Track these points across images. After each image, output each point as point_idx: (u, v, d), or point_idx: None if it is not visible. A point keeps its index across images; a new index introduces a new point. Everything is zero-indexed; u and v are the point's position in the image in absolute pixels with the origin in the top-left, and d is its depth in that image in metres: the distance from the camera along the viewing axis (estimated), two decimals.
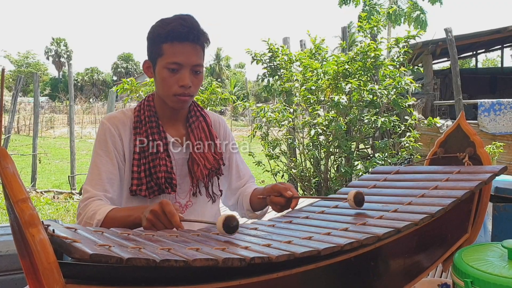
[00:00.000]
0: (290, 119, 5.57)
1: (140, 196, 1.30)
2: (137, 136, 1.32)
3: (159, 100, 1.36)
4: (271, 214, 1.37)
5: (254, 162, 5.80)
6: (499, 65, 15.76)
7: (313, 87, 5.47)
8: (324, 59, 5.78)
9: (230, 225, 0.87)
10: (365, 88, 5.12)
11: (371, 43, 5.33)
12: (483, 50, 14.72)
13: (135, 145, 1.32)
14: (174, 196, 1.35)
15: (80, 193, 7.25)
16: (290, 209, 1.23)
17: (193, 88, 1.29)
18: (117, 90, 5.30)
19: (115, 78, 48.22)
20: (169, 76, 1.26)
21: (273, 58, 5.83)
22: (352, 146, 5.53)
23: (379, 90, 5.13)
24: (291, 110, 5.55)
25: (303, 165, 5.89)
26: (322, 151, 5.59)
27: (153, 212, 1.02)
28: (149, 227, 1.03)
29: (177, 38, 1.24)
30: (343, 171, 5.34)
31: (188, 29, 1.25)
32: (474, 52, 14.52)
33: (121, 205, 1.32)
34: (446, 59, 12.96)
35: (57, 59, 50.51)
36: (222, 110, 23.44)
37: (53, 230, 0.67)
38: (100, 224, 1.16)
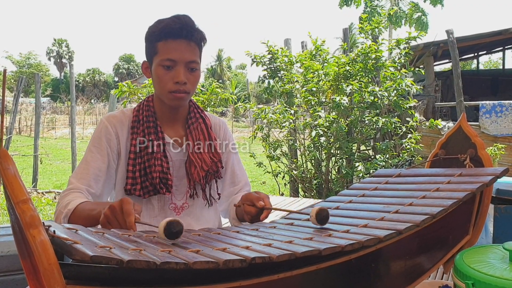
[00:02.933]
0: (291, 121, 5.57)
1: (135, 195, 1.29)
2: (134, 135, 1.32)
3: (158, 101, 1.37)
4: (272, 215, 1.36)
5: (255, 163, 5.81)
6: (501, 67, 15.73)
7: (314, 89, 5.47)
8: (325, 61, 5.79)
9: (173, 230, 0.80)
10: (366, 90, 5.12)
11: (372, 44, 5.33)
12: (484, 52, 14.71)
13: (132, 144, 1.32)
14: (170, 197, 1.35)
15: None
16: (260, 221, 1.18)
17: (189, 85, 1.28)
18: (116, 93, 5.29)
19: (116, 79, 48.30)
20: (164, 74, 1.27)
21: (273, 60, 5.83)
22: (353, 148, 5.53)
23: (380, 92, 5.13)
24: (292, 111, 5.55)
25: (304, 166, 5.89)
26: (323, 152, 5.59)
27: (111, 208, 0.98)
28: (104, 223, 0.99)
29: (170, 35, 1.25)
30: (344, 172, 5.33)
31: (181, 25, 1.25)
32: (476, 54, 14.52)
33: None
34: (447, 60, 12.96)
35: (58, 60, 50.58)
36: (223, 111, 23.47)
37: (54, 231, 0.67)
38: (70, 214, 1.15)
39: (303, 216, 1.13)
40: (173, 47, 1.25)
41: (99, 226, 1.03)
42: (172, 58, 1.25)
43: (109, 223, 0.98)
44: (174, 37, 1.25)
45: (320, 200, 1.50)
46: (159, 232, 0.80)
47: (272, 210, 1.22)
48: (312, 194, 5.81)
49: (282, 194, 6.46)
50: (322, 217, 0.96)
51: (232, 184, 1.49)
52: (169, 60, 1.25)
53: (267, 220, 1.20)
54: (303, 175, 5.85)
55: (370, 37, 5.77)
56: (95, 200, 1.27)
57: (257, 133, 5.82)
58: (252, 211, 1.20)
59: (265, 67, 5.93)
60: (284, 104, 5.69)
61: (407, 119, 5.51)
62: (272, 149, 5.74)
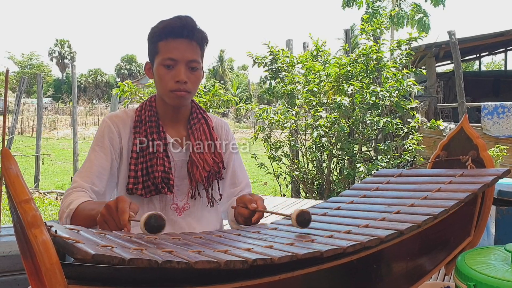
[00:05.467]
0: (293, 121, 5.57)
1: (137, 195, 1.30)
2: (136, 135, 1.33)
3: (160, 101, 1.37)
4: (272, 217, 1.36)
5: (256, 164, 5.81)
6: (503, 68, 15.69)
7: (315, 89, 5.47)
8: (327, 61, 5.79)
9: (154, 225, 0.80)
10: (367, 90, 5.12)
11: (374, 45, 5.33)
12: (486, 53, 14.68)
13: (134, 144, 1.32)
14: (172, 197, 1.35)
15: None
16: (252, 223, 1.17)
17: (190, 84, 1.29)
18: (117, 93, 5.29)
19: (118, 79, 48.32)
20: (165, 73, 1.27)
21: (274, 61, 5.84)
22: (354, 149, 5.52)
23: (382, 92, 5.12)
24: (294, 112, 5.55)
25: (306, 167, 5.89)
26: (324, 153, 5.58)
27: (107, 206, 0.97)
28: (101, 222, 0.97)
29: (171, 34, 1.25)
30: (345, 173, 5.33)
31: (182, 25, 1.26)
32: (478, 55, 14.49)
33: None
34: (449, 61, 12.94)
35: (60, 61, 50.68)
36: (225, 112, 23.47)
37: (56, 231, 0.67)
38: (72, 214, 1.15)
39: None
40: (174, 46, 1.25)
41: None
42: (173, 57, 1.25)
43: (105, 222, 0.97)
44: (175, 37, 1.25)
45: (321, 201, 1.49)
46: (140, 226, 0.81)
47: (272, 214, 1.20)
48: (314, 195, 5.81)
49: (284, 195, 6.46)
50: (303, 219, 0.93)
51: (233, 185, 1.48)
52: (170, 59, 1.26)
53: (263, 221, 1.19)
54: (304, 176, 5.84)
55: (372, 38, 5.77)
56: (99, 198, 1.27)
57: (258, 133, 5.81)
58: (244, 213, 1.19)
59: (266, 68, 5.93)
60: (286, 105, 5.69)
61: (409, 120, 5.50)
62: (274, 150, 5.75)
